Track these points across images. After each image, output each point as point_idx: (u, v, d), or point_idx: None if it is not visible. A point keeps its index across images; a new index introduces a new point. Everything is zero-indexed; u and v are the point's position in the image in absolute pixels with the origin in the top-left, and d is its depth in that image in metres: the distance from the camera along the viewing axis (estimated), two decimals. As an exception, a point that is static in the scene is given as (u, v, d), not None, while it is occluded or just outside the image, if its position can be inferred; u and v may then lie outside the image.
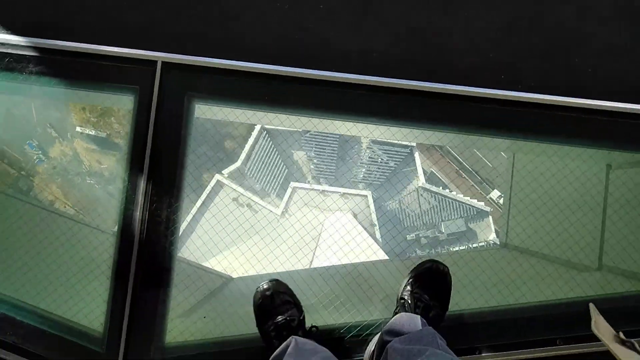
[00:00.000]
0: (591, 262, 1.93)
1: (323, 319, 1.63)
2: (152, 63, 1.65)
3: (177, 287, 1.66)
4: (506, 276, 1.89)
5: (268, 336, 1.48)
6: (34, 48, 1.67)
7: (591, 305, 1.14)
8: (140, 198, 1.60)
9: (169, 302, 1.62)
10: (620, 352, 1.01)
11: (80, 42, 1.66)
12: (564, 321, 1.62)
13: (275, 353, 1.40)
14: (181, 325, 1.68)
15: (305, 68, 1.66)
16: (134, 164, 1.62)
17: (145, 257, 1.60)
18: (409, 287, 1.52)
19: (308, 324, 1.55)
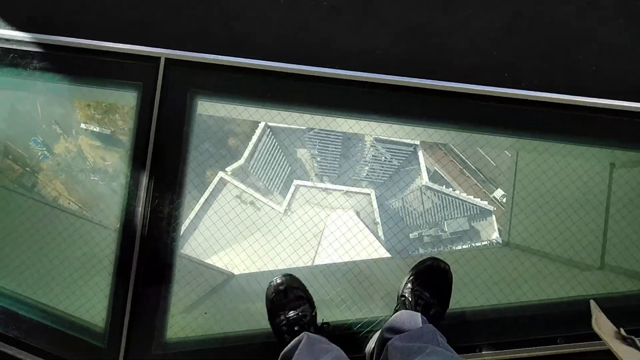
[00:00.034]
0: (593, 261, 1.93)
1: (324, 316, 1.63)
2: (156, 59, 1.65)
3: (178, 283, 1.67)
4: (507, 274, 1.89)
5: (279, 331, 1.48)
6: (38, 44, 1.67)
7: (592, 302, 1.14)
8: (142, 194, 1.61)
9: (170, 298, 1.62)
10: (621, 349, 1.01)
11: (84, 39, 1.67)
12: (565, 320, 1.62)
13: (286, 348, 1.40)
14: (182, 321, 1.69)
15: (307, 65, 1.66)
16: (137, 160, 1.62)
17: (147, 253, 1.61)
18: (409, 285, 1.51)
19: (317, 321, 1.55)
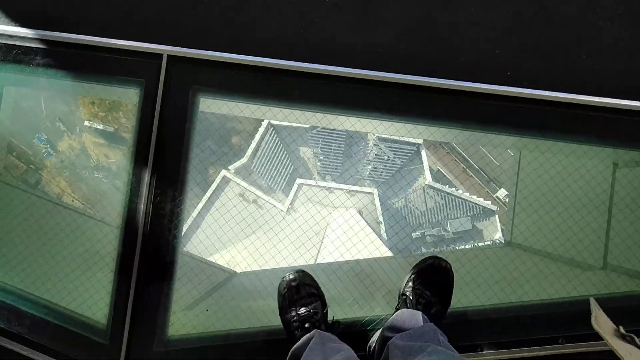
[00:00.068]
0: (596, 261, 1.92)
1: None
2: (158, 56, 1.66)
3: (180, 281, 1.67)
4: (509, 274, 1.89)
5: (290, 326, 1.48)
6: (42, 40, 1.68)
7: (592, 300, 1.14)
8: (144, 191, 1.61)
9: (172, 295, 1.63)
10: (620, 347, 1.00)
11: (87, 35, 1.67)
12: (567, 320, 1.61)
13: (297, 344, 1.39)
14: (184, 318, 1.69)
15: (309, 63, 1.66)
16: (139, 157, 1.63)
17: (149, 250, 1.61)
18: (410, 284, 1.51)
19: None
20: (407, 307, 1.47)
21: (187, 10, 1.75)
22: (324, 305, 1.54)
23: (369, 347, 1.55)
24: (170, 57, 1.66)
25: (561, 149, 1.81)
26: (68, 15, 1.75)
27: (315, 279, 1.59)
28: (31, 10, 1.75)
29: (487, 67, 1.72)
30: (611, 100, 1.66)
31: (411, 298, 1.48)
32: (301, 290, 1.52)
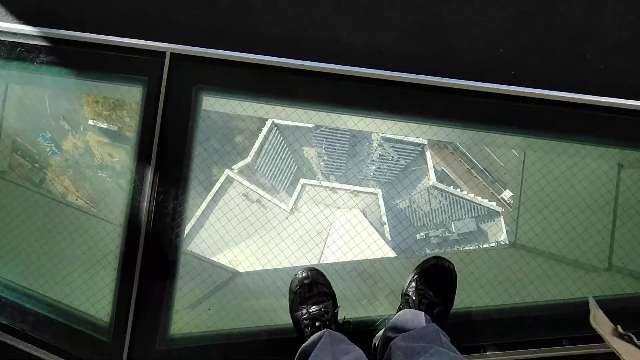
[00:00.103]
0: (600, 262, 1.91)
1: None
2: (161, 54, 1.66)
3: (182, 279, 1.67)
4: (512, 274, 1.88)
5: (300, 324, 1.48)
6: (45, 38, 1.68)
7: (590, 299, 1.14)
8: (147, 189, 1.62)
9: (174, 294, 1.63)
10: (619, 346, 1.00)
11: (90, 33, 1.68)
12: (572, 321, 1.60)
13: (307, 343, 1.39)
14: (186, 316, 1.69)
15: (312, 61, 1.66)
16: (142, 155, 1.63)
17: (152, 248, 1.62)
18: (413, 284, 1.51)
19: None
20: (410, 307, 1.46)
21: (190, 8, 1.75)
22: (335, 304, 1.54)
23: (373, 344, 1.55)
24: (173, 55, 1.66)
25: (566, 149, 1.80)
26: (71, 13, 1.75)
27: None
28: (35, 7, 1.75)
29: (490, 66, 1.71)
30: (616, 100, 1.65)
31: (414, 298, 1.47)
32: (313, 289, 1.52)
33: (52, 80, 1.72)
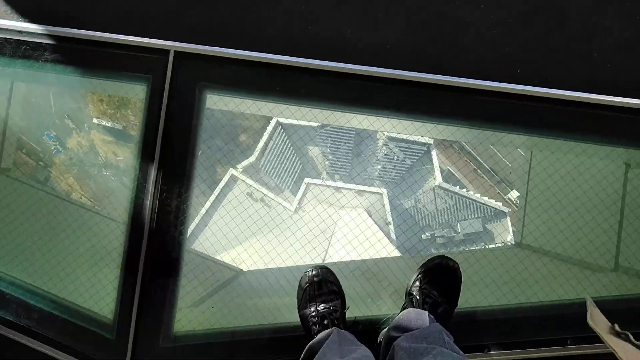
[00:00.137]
0: (607, 263, 1.89)
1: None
2: (165, 52, 1.66)
3: (186, 277, 1.68)
4: (518, 274, 1.87)
5: (308, 322, 1.48)
6: (50, 36, 1.69)
7: (588, 298, 1.13)
8: (150, 187, 1.62)
9: (178, 292, 1.64)
10: (615, 344, 1.00)
11: (95, 31, 1.68)
12: (576, 321, 1.59)
13: (314, 340, 1.39)
14: (190, 314, 1.70)
15: (316, 59, 1.66)
16: (145, 153, 1.63)
17: (155, 246, 1.62)
18: (417, 283, 1.50)
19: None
20: (414, 307, 1.46)
21: (194, 6, 1.75)
22: (343, 303, 1.53)
23: (377, 341, 1.55)
24: (177, 53, 1.66)
25: (572, 149, 1.79)
26: (76, 11, 1.76)
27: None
28: (39, 5, 1.76)
29: (496, 65, 1.71)
30: (624, 99, 1.64)
31: (418, 297, 1.47)
32: (323, 287, 1.52)
33: (57, 78, 1.72)
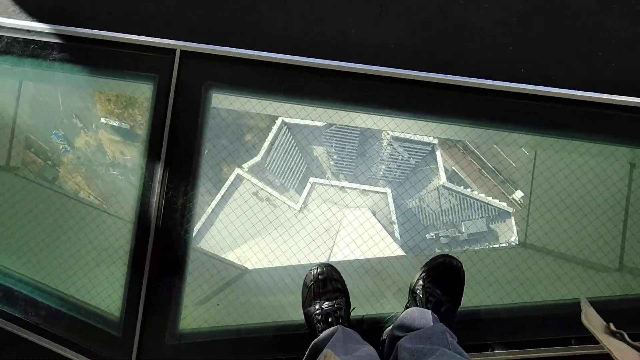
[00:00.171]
0: (611, 262, 1.89)
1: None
2: (171, 51, 1.67)
3: (192, 275, 1.69)
4: (521, 273, 1.86)
5: (312, 320, 1.48)
6: (58, 35, 1.70)
7: (582, 299, 1.13)
8: (157, 185, 1.63)
9: (183, 290, 1.64)
10: (610, 343, 1.00)
11: (102, 30, 1.70)
12: (580, 321, 1.58)
13: (319, 337, 1.39)
14: (195, 312, 1.71)
15: (321, 59, 1.66)
16: (152, 151, 1.64)
17: (162, 244, 1.63)
18: (421, 282, 1.50)
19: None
20: (417, 305, 1.46)
21: (200, 6, 1.77)
22: (348, 301, 1.54)
23: (381, 339, 1.55)
24: (184, 53, 1.67)
25: (576, 148, 1.79)
26: (83, 10, 1.77)
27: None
28: (47, 5, 1.77)
29: (500, 64, 1.70)
30: (628, 98, 1.63)
31: (421, 296, 1.47)
32: (327, 285, 1.52)
33: (65, 78, 1.74)
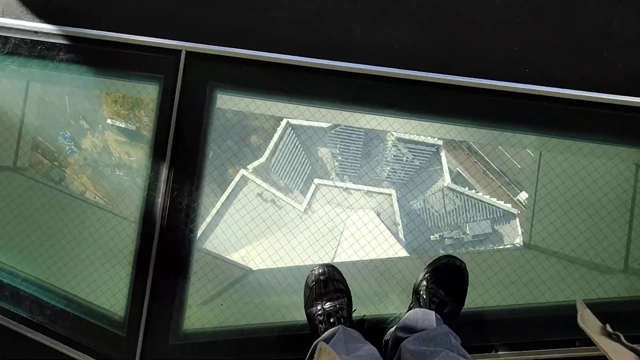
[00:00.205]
0: (616, 264, 1.87)
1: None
2: (177, 52, 1.68)
3: (196, 275, 1.69)
4: (525, 274, 1.86)
5: (314, 320, 1.48)
6: (64, 36, 1.72)
7: (578, 300, 1.13)
8: (162, 185, 1.64)
9: (188, 290, 1.65)
10: (607, 345, 0.99)
11: (108, 31, 1.71)
12: (581, 323, 1.58)
13: (321, 338, 1.39)
14: (199, 312, 1.71)
15: (324, 59, 1.67)
16: (157, 152, 1.65)
17: (166, 244, 1.64)
18: (424, 282, 1.50)
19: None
20: (421, 306, 1.46)
21: (205, 7, 1.77)
22: (350, 302, 1.54)
23: (384, 340, 1.55)
24: (189, 53, 1.68)
25: (581, 149, 1.78)
26: (90, 12, 1.78)
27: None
28: (54, 6, 1.79)
29: (504, 64, 1.70)
30: (633, 99, 1.63)
31: (425, 297, 1.47)
32: (329, 285, 1.52)
33: (72, 79, 1.75)
